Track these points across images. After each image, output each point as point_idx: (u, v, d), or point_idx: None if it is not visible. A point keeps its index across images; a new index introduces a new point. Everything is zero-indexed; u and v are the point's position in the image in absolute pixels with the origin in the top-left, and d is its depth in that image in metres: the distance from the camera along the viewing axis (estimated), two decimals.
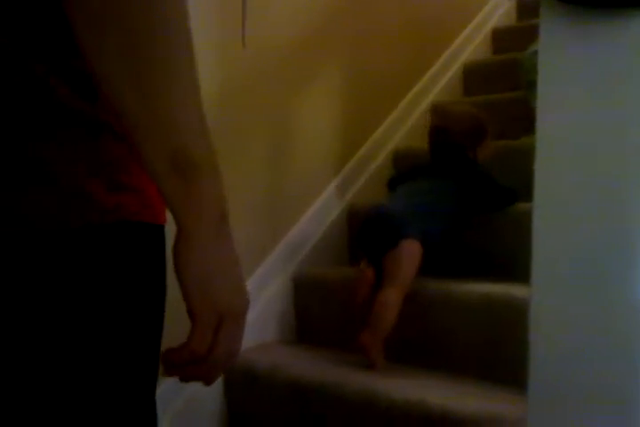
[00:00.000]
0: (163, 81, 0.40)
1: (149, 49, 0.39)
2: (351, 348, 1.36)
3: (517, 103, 1.92)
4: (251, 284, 1.49)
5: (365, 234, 1.45)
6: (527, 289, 1.19)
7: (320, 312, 1.55)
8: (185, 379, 0.45)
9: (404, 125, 2.05)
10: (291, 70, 1.65)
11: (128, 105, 0.39)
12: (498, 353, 1.24)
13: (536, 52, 1.80)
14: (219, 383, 1.43)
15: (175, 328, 0.60)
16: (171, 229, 0.44)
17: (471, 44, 2.45)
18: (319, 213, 1.71)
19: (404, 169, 1.66)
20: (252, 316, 1.47)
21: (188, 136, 0.41)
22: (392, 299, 1.31)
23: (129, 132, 0.41)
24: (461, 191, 1.46)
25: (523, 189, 1.55)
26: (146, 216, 0.46)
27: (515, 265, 1.45)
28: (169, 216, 0.45)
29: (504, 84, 2.00)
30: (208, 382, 0.46)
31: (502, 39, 2.51)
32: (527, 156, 1.61)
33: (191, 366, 0.43)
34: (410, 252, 1.35)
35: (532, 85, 1.86)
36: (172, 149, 0.40)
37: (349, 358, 1.38)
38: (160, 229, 0.48)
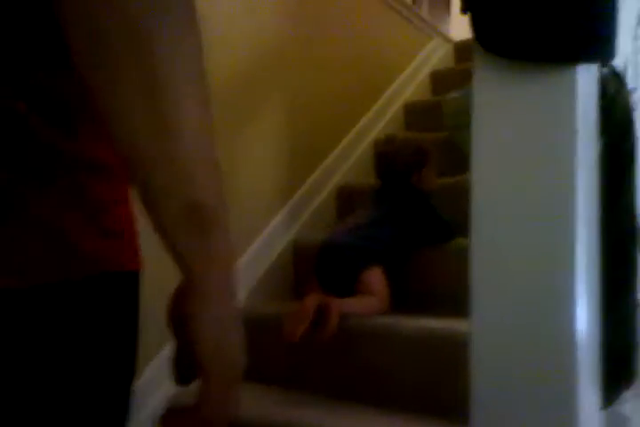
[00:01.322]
0: (184, 123, 0.35)
1: (173, 86, 0.34)
2: (298, 385, 1.34)
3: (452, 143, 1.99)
4: None
5: (323, 268, 1.48)
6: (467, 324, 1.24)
7: (262, 349, 1.52)
8: None
9: (347, 161, 2.09)
10: (235, 105, 1.66)
11: (143, 150, 0.35)
12: (438, 390, 1.24)
13: (455, 98, 1.90)
14: None
15: None
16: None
17: (412, 85, 2.54)
18: (263, 251, 1.70)
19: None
20: None
21: (206, 186, 0.37)
22: (371, 301, 1.38)
23: (139, 179, 0.36)
24: (402, 218, 1.52)
25: (462, 225, 1.61)
26: (128, 264, 0.44)
27: (457, 300, 1.49)
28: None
29: (442, 123, 2.07)
30: None
31: (441, 80, 2.61)
32: (464, 193, 1.69)
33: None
34: (376, 278, 1.41)
35: (455, 128, 1.94)
36: (188, 201, 0.36)
37: (295, 396, 1.35)
38: (137, 275, 0.46)
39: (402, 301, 1.47)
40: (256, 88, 1.75)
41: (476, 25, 0.74)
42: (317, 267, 1.50)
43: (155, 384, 1.36)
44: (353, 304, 1.37)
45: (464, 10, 0.76)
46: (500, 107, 0.77)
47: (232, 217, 1.42)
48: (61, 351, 0.40)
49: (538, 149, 0.75)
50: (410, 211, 1.54)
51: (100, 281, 0.42)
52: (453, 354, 1.21)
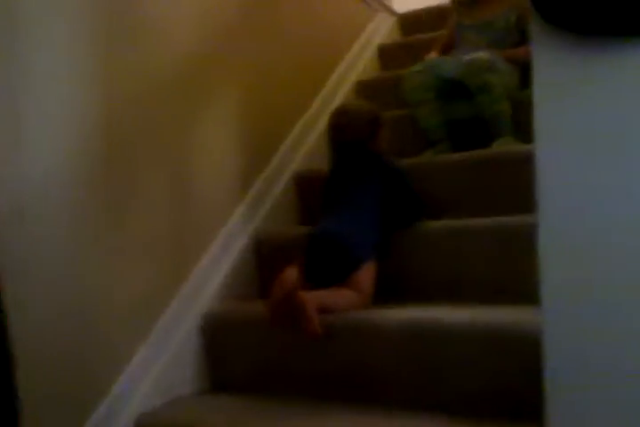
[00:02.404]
0: None
1: None
2: (272, 392, 1.27)
3: (406, 120, 1.94)
4: (156, 331, 1.38)
5: (314, 262, 1.41)
6: (450, 311, 1.20)
7: (234, 355, 1.45)
8: None
9: (303, 146, 2.01)
10: (187, 90, 1.56)
11: None
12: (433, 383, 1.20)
13: (416, 73, 1.85)
14: None
15: None
16: None
17: (361, 61, 2.47)
18: (225, 246, 1.62)
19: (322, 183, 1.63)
20: (158, 368, 1.36)
21: None
22: (348, 294, 1.32)
23: None
24: (378, 188, 1.47)
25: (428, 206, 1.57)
26: None
27: (426, 285, 1.45)
28: None
29: (392, 100, 2.02)
30: None
31: (389, 55, 2.55)
32: (429, 173, 1.64)
33: None
34: (368, 275, 1.36)
35: (418, 105, 1.89)
36: None
37: (274, 405, 1.29)
38: None
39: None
40: (207, 73, 1.65)
41: None
42: (307, 258, 1.43)
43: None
44: (332, 298, 1.31)
45: None
46: (570, 89, 0.68)
47: (190, 214, 1.32)
48: None
49: (613, 133, 0.67)
50: (379, 175, 1.50)
51: None
52: (444, 345, 1.17)
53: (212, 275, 1.56)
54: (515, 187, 1.55)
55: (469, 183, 1.62)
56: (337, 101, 2.21)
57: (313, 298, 1.26)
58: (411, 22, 2.78)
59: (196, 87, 1.59)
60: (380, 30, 2.68)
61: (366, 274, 1.36)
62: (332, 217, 1.48)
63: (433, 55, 2.09)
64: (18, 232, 1.12)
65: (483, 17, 1.99)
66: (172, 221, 1.48)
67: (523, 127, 1.76)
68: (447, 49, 2.10)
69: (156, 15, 1.48)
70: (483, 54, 1.78)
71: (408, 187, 1.53)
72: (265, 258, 1.68)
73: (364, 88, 2.33)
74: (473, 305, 1.29)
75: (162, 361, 1.37)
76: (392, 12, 2.81)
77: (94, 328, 1.25)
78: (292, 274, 1.37)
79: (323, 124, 2.09)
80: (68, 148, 1.23)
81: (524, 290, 1.27)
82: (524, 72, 1.87)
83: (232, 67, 1.76)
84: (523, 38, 1.94)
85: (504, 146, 1.74)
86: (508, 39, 1.95)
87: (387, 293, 1.41)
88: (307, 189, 1.88)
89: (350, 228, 1.41)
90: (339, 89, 2.28)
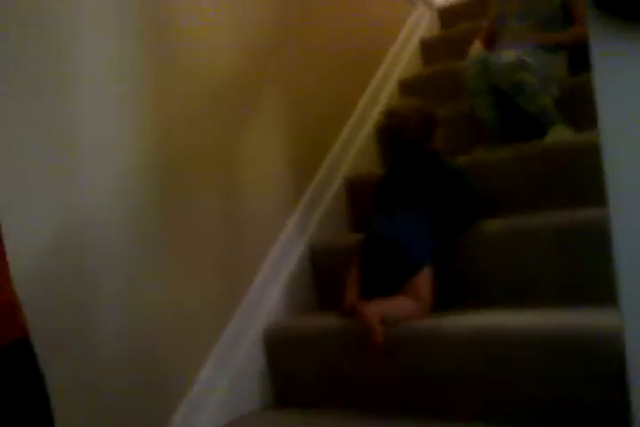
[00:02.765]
0: None
1: None
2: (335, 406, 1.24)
3: (457, 117, 1.88)
4: (219, 346, 1.38)
5: (369, 267, 1.38)
6: (516, 316, 1.14)
7: (298, 369, 1.43)
8: None
9: (351, 150, 1.98)
10: (233, 106, 1.56)
11: None
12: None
13: (473, 63, 1.79)
14: None
15: None
16: None
17: (403, 57, 2.42)
18: (281, 257, 1.61)
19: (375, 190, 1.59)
20: (222, 383, 1.36)
21: None
22: (408, 303, 1.28)
23: None
24: (435, 190, 1.43)
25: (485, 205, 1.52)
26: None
27: (488, 289, 1.39)
28: None
29: (438, 95, 1.97)
30: None
31: (431, 50, 2.49)
32: (484, 169, 1.59)
33: None
34: (426, 282, 1.32)
35: (473, 95, 1.84)
36: None
37: (338, 420, 1.27)
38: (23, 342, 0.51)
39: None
40: (254, 83, 1.64)
41: None
42: (363, 263, 1.40)
43: None
44: (392, 308, 1.28)
45: None
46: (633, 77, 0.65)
47: (244, 227, 1.29)
48: None
49: None
50: (437, 176, 1.45)
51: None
52: (511, 353, 1.12)
53: (271, 286, 1.55)
54: (570, 179, 1.49)
55: (524, 177, 1.56)
56: (382, 100, 2.17)
57: (373, 309, 1.23)
58: (450, 15, 2.71)
59: (241, 101, 1.59)
60: (421, 24, 2.63)
61: (424, 280, 1.31)
62: (385, 219, 1.43)
63: (477, 46, 2.03)
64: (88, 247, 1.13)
65: (525, 2, 1.92)
66: (229, 236, 1.48)
67: (576, 113, 1.69)
68: (489, 41, 2.04)
69: (192, 30, 1.48)
70: (509, 56, 1.72)
71: (467, 187, 1.47)
72: (321, 267, 1.66)
73: (408, 86, 2.28)
74: (537, 309, 1.23)
75: (228, 375, 1.37)
76: (431, 6, 2.75)
77: (161, 342, 1.26)
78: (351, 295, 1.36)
79: (369, 125, 2.06)
80: (123, 172, 1.24)
81: (590, 291, 1.21)
82: (575, 54, 1.79)
83: (275, 77, 1.74)
84: (568, 19, 1.86)
85: (556, 136, 1.67)
86: (554, 22, 1.88)
87: (446, 298, 1.37)
88: (358, 194, 1.85)
89: (405, 229, 1.36)
90: (383, 87, 2.24)
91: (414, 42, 2.53)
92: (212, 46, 1.53)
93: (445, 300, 1.35)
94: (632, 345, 0.67)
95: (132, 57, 1.30)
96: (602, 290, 0.72)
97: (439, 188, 1.44)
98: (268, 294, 1.54)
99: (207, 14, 1.53)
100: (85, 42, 1.21)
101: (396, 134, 1.53)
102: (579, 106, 1.66)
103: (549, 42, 1.82)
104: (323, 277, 1.65)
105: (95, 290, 1.15)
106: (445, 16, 2.74)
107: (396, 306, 1.28)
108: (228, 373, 1.37)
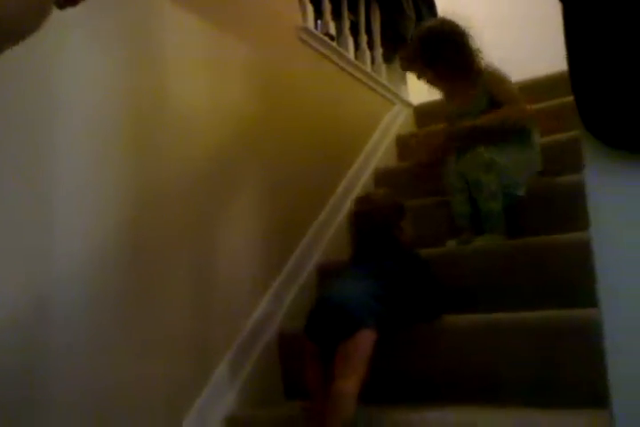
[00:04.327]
0: None
1: None
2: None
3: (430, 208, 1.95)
4: None
5: (316, 324, 1.39)
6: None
7: None
8: None
9: (325, 237, 2.01)
10: (211, 189, 1.60)
11: None
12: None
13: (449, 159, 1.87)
14: None
15: None
16: None
17: (379, 151, 2.52)
18: (248, 343, 1.58)
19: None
20: None
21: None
22: (348, 388, 1.25)
23: None
24: (394, 274, 1.46)
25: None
26: None
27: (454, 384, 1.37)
28: None
29: (410, 190, 2.04)
30: None
31: (405, 146, 2.60)
32: (455, 265, 1.63)
33: None
34: (364, 343, 1.30)
35: (453, 191, 1.91)
36: None
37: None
38: None
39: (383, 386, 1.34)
40: (235, 162, 1.71)
41: (583, 112, 0.65)
42: (309, 321, 1.41)
43: None
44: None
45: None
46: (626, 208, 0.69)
47: (215, 307, 1.28)
48: None
49: None
50: (401, 264, 1.50)
51: None
52: None
53: (235, 374, 1.51)
54: (539, 278, 1.52)
55: (489, 274, 1.59)
56: (357, 190, 2.24)
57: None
58: (425, 114, 2.85)
59: (220, 184, 1.64)
60: (397, 121, 2.76)
61: (364, 343, 1.30)
62: (335, 286, 1.47)
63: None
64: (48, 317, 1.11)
65: (461, 105, 2.02)
66: (192, 323, 1.46)
67: (545, 214, 1.76)
68: None
69: (180, 111, 1.54)
70: (482, 151, 1.81)
71: (429, 276, 1.51)
72: (288, 357, 1.63)
73: (382, 178, 2.36)
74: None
75: None
76: (408, 104, 2.90)
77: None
78: None
79: (343, 214, 2.11)
80: (92, 249, 1.24)
81: (568, 391, 1.20)
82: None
83: (255, 162, 1.80)
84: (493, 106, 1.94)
85: (483, 242, 1.76)
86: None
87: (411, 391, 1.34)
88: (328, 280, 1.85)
89: (352, 291, 1.39)
90: (359, 178, 2.31)
91: (391, 137, 2.64)
92: (194, 129, 1.60)
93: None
94: None
95: (112, 140, 1.34)
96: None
97: (397, 270, 1.47)
98: (233, 382, 1.50)
99: (191, 99, 1.60)
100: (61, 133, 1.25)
101: (365, 219, 1.62)
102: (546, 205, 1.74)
103: (482, 128, 1.90)
104: (289, 365, 1.61)
105: (53, 364, 1.12)
106: (421, 114, 2.88)
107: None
108: None
